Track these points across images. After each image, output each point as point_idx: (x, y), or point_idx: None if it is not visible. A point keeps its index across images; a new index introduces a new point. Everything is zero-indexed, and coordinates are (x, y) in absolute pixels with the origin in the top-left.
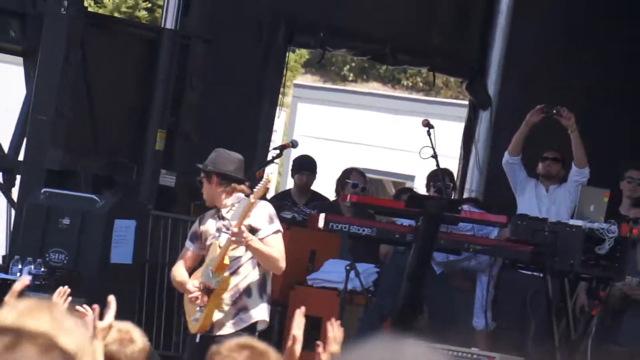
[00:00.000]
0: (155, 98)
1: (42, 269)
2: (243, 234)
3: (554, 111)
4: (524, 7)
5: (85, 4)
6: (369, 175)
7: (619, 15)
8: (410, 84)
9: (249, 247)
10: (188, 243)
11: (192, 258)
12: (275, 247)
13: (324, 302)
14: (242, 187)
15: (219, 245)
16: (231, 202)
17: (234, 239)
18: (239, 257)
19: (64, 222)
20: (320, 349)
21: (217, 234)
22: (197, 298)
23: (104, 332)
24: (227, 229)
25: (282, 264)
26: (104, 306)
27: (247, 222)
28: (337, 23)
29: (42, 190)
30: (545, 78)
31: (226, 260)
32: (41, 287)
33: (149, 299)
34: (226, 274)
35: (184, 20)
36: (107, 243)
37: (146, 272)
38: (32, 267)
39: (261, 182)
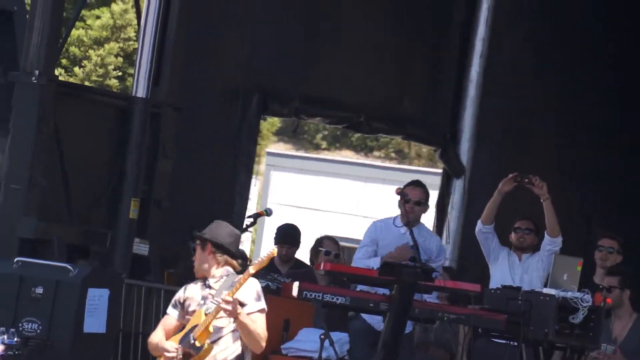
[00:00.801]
0: (128, 166)
1: (16, 339)
2: (233, 303)
3: (526, 180)
4: (493, 75)
5: (56, 72)
6: (342, 243)
7: (593, 83)
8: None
9: (237, 320)
10: (170, 309)
11: (172, 325)
12: (259, 325)
13: None
14: (234, 262)
15: (205, 313)
16: (220, 274)
17: (225, 306)
18: (221, 328)
19: (37, 292)
20: None
21: (202, 302)
22: (174, 358)
23: None
24: (214, 297)
25: (263, 343)
26: None
27: (235, 296)
28: (312, 92)
29: (15, 260)
30: (517, 146)
31: (211, 328)
32: (15, 357)
33: None
34: (209, 341)
35: (155, 88)
36: (80, 312)
37: (120, 341)
38: (5, 337)
39: (265, 255)
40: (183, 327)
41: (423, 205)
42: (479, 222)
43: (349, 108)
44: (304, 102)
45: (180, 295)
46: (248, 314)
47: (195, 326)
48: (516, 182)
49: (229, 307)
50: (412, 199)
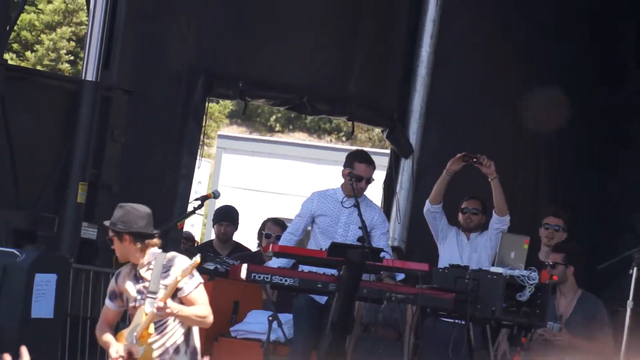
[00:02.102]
0: (77, 150)
1: None
2: (168, 309)
3: (474, 159)
4: (443, 57)
5: (7, 57)
6: None
7: (539, 64)
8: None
9: (177, 317)
10: (108, 302)
11: (113, 316)
12: (200, 302)
13: (248, 354)
14: (155, 240)
15: (145, 312)
16: (147, 260)
17: (159, 313)
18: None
19: None
20: None
21: (139, 297)
22: None
23: None
24: (151, 292)
25: (210, 318)
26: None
27: (167, 281)
28: (256, 74)
29: None
30: (466, 127)
31: (151, 329)
32: None
33: (71, 353)
34: (151, 339)
35: (105, 72)
36: (27, 297)
37: (68, 325)
38: None
39: (189, 264)
40: (126, 313)
41: (371, 181)
42: (427, 202)
43: (291, 89)
44: (248, 84)
45: (113, 285)
46: (186, 295)
47: (138, 325)
48: (464, 162)
49: (163, 314)
50: (364, 177)
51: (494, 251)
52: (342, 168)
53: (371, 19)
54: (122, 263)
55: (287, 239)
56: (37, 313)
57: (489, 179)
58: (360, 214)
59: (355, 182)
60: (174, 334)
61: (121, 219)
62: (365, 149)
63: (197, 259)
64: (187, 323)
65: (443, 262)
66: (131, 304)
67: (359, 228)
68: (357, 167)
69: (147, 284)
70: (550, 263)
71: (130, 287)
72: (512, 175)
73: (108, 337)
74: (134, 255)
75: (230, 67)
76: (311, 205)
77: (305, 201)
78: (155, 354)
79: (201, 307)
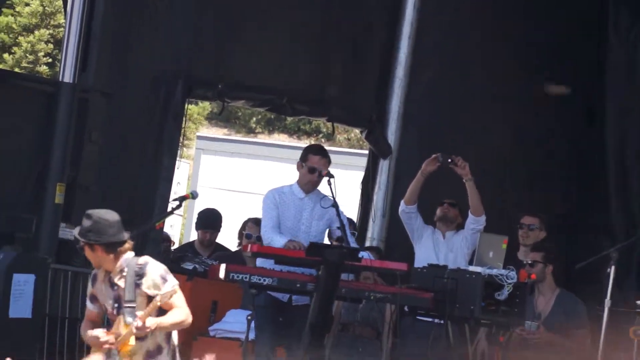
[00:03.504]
0: (54, 152)
1: None
2: (147, 328)
3: (449, 160)
4: (421, 58)
5: None
6: None
7: (520, 63)
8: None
9: (158, 330)
10: (88, 303)
11: (96, 316)
12: (177, 304)
13: (227, 353)
14: (127, 245)
15: (125, 323)
16: (119, 267)
17: (139, 333)
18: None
19: None
20: None
21: (116, 305)
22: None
23: None
24: (128, 301)
25: (189, 319)
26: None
27: (142, 289)
28: (235, 76)
29: None
30: (443, 129)
31: (131, 342)
32: None
33: (49, 353)
34: (132, 350)
35: (82, 74)
36: (5, 297)
37: (46, 326)
38: None
39: (168, 290)
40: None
41: (324, 175)
42: (402, 203)
43: (271, 91)
44: (227, 86)
45: (90, 289)
46: (163, 300)
47: (118, 336)
48: (439, 163)
49: (143, 333)
50: (316, 169)
51: (470, 250)
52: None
53: (349, 22)
54: None
55: (278, 233)
56: (15, 313)
57: (464, 180)
58: (338, 214)
59: (318, 176)
60: (156, 337)
61: (91, 229)
62: (343, 149)
63: (158, 301)
64: (168, 331)
65: (419, 261)
66: (109, 311)
67: (337, 228)
68: (311, 159)
69: (121, 292)
70: (530, 262)
71: (107, 295)
72: (490, 176)
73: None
74: (108, 263)
75: (209, 69)
76: (274, 199)
77: (265, 198)
78: (138, 358)
79: (178, 312)
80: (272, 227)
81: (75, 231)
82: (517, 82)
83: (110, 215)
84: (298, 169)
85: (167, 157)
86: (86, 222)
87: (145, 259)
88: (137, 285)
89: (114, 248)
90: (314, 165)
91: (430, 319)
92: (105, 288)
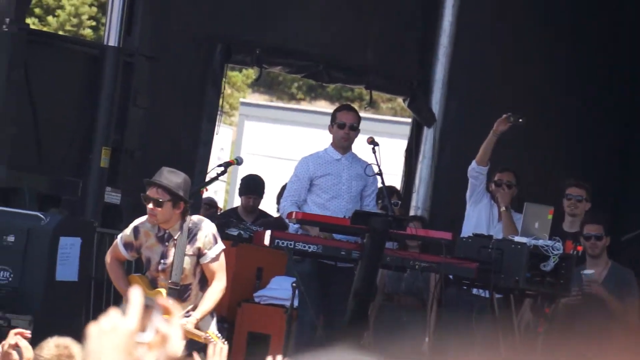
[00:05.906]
0: (100, 115)
1: None
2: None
3: (520, 119)
4: (466, 26)
5: (29, 21)
6: None
7: (565, 33)
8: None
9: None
10: (122, 248)
11: (122, 258)
12: (217, 272)
13: (271, 319)
14: (188, 205)
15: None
16: (179, 224)
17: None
18: (188, 284)
19: (9, 240)
20: None
21: (162, 261)
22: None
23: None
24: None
25: (225, 286)
26: (50, 323)
27: (195, 245)
28: (273, 41)
29: None
30: (489, 96)
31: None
32: None
33: (95, 316)
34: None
35: (127, 37)
36: (52, 261)
37: (92, 289)
38: None
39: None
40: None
41: (356, 129)
42: (473, 162)
43: (308, 57)
44: (265, 52)
45: (130, 239)
46: (207, 263)
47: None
48: (510, 122)
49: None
50: (346, 123)
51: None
52: (361, 136)
53: None
54: None
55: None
56: (62, 276)
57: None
58: (383, 183)
59: (339, 129)
60: (197, 297)
61: (182, 188)
62: (386, 117)
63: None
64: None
65: (468, 224)
66: (152, 267)
67: (378, 195)
68: (339, 116)
69: (171, 249)
70: (594, 234)
71: (154, 250)
72: (537, 145)
73: (122, 278)
74: (173, 220)
75: (247, 34)
76: (308, 169)
77: (297, 166)
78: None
79: (214, 287)
80: (292, 203)
81: (167, 184)
82: (568, 48)
83: (183, 176)
84: (330, 131)
85: (206, 121)
86: (175, 179)
87: (200, 217)
88: (192, 241)
89: (179, 204)
90: (342, 120)
91: (475, 289)
92: (155, 243)
